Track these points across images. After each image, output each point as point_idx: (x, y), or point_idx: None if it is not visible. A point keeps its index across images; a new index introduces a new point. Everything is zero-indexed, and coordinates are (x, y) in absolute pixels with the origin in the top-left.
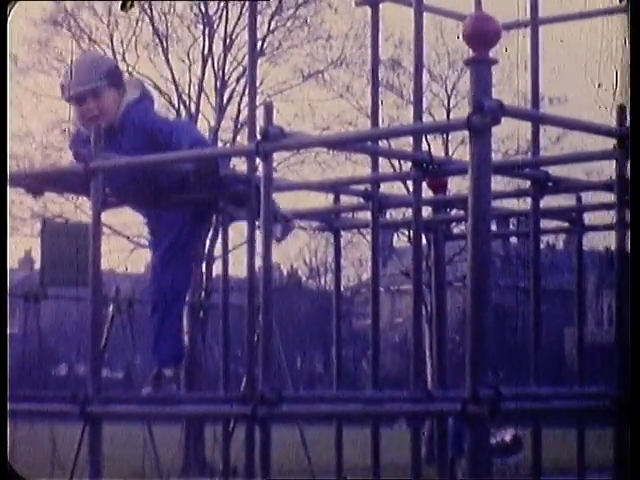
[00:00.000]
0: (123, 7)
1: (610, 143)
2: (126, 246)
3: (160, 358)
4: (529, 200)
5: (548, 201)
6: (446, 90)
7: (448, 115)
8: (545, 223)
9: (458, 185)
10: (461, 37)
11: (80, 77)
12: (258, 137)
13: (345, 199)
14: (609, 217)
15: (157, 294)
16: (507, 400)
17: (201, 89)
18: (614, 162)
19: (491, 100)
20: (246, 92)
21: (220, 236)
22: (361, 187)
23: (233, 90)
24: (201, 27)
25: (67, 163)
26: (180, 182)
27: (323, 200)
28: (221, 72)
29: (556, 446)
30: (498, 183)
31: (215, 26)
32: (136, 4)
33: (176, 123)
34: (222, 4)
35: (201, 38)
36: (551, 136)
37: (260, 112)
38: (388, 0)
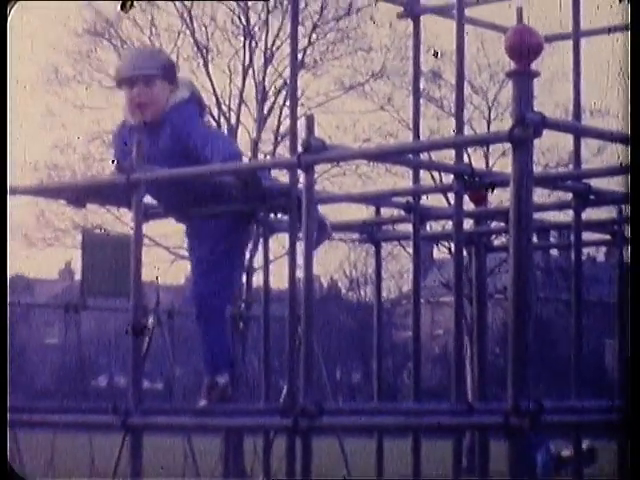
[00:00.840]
0: (123, 7)
1: None
2: (166, 257)
3: (210, 367)
4: (570, 212)
5: (589, 213)
6: (487, 102)
7: (489, 127)
8: (586, 235)
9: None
10: (503, 50)
11: (135, 62)
12: (299, 149)
13: (386, 211)
14: None
15: (198, 301)
16: (549, 413)
17: (241, 101)
18: None
19: (533, 113)
20: (286, 104)
21: (261, 247)
22: (402, 199)
23: (274, 102)
24: (242, 39)
25: (108, 174)
26: (221, 193)
27: (364, 212)
28: (262, 84)
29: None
30: (539, 195)
31: (256, 38)
32: (137, 4)
33: (213, 135)
34: (263, 16)
35: (242, 50)
36: (592, 148)
37: (301, 124)
38: (430, 12)
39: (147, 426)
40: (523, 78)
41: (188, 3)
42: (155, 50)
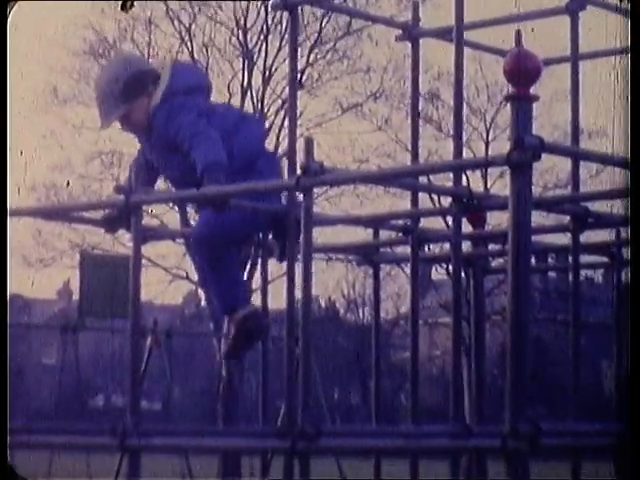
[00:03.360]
0: (123, 7)
1: None
2: (164, 277)
3: (225, 307)
4: (568, 234)
5: (587, 236)
6: (485, 123)
7: (487, 148)
8: (584, 257)
9: (497, 218)
10: (502, 72)
11: (103, 109)
12: (298, 171)
13: (384, 233)
14: None
15: (208, 240)
16: (547, 436)
17: None
18: None
19: (531, 136)
20: (285, 124)
21: (259, 268)
22: (400, 221)
23: (272, 122)
24: (241, 59)
25: (107, 194)
26: None
27: (362, 233)
28: (260, 104)
29: None
30: (537, 217)
31: (254, 59)
32: (136, 4)
33: (198, 138)
34: (262, 36)
35: (240, 71)
36: (590, 169)
37: (300, 145)
38: (428, 35)
39: (145, 447)
40: (522, 102)
41: (186, 23)
42: (114, 76)
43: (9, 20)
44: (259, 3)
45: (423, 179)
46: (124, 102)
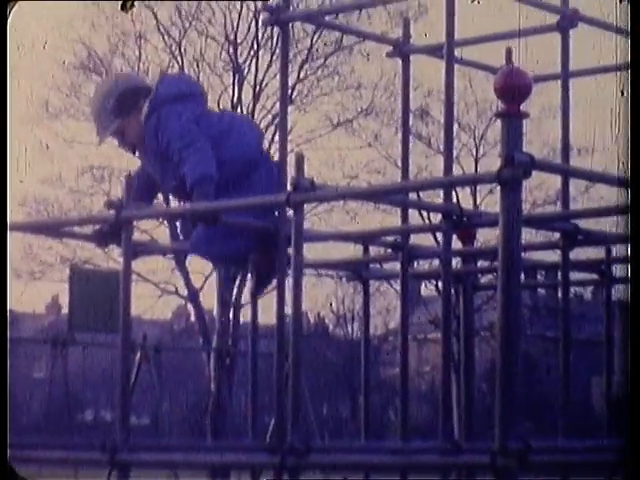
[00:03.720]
0: (123, 7)
1: None
2: (153, 292)
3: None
4: (558, 251)
5: (577, 252)
6: (475, 139)
7: (476, 164)
8: (574, 274)
9: (486, 235)
10: (491, 88)
11: (97, 125)
12: (288, 188)
13: (374, 248)
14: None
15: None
16: (536, 453)
17: None
18: None
19: (522, 153)
20: (275, 139)
21: (248, 283)
22: (390, 237)
23: None
24: (231, 74)
25: (98, 209)
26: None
27: (352, 249)
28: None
29: None
30: (527, 233)
31: (245, 74)
32: (137, 4)
33: (188, 151)
34: (252, 52)
35: (231, 86)
36: (579, 186)
37: (290, 161)
38: (419, 52)
39: (134, 463)
40: (512, 119)
41: (177, 37)
42: (106, 92)
43: (9, 19)
44: (250, 18)
45: (413, 195)
46: (117, 117)
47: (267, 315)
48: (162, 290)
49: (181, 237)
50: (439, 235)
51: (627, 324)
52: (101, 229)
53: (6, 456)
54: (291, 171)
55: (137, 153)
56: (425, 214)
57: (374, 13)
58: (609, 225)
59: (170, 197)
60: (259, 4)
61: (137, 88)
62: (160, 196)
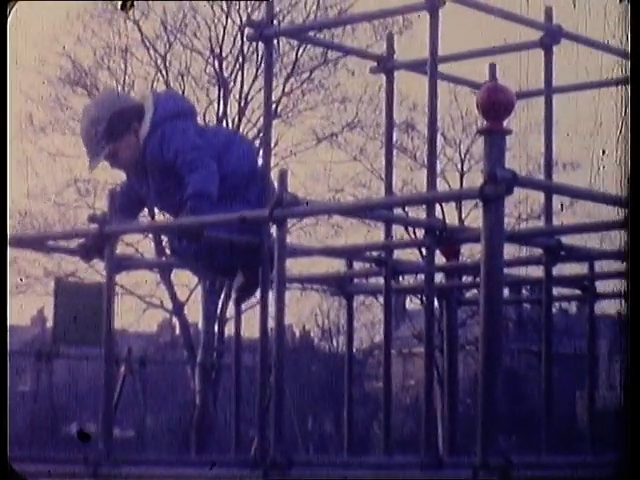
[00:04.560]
0: (123, 7)
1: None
2: (138, 305)
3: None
4: (541, 266)
5: (560, 268)
6: (460, 154)
7: (462, 179)
8: (558, 289)
9: (470, 250)
10: (475, 107)
11: (89, 151)
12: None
13: (358, 263)
14: (621, 284)
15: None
16: (518, 468)
17: None
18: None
19: (504, 170)
20: (260, 153)
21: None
22: (375, 252)
23: None
24: (216, 88)
25: (82, 222)
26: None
27: (336, 263)
28: None
29: None
30: (510, 248)
31: (230, 87)
32: (136, 3)
33: (197, 163)
34: (238, 65)
35: (216, 100)
36: (563, 201)
37: (274, 175)
38: (403, 68)
39: (117, 476)
40: (495, 136)
41: (162, 51)
42: (95, 117)
43: (9, 19)
44: (235, 32)
45: (398, 210)
46: (109, 141)
47: (251, 329)
48: (147, 303)
49: (168, 251)
50: (423, 250)
51: (626, 338)
52: (85, 243)
53: (6, 456)
54: (275, 185)
55: (127, 173)
56: (410, 228)
57: (358, 26)
58: (592, 240)
59: (155, 211)
60: (244, 17)
61: (126, 109)
62: (145, 210)
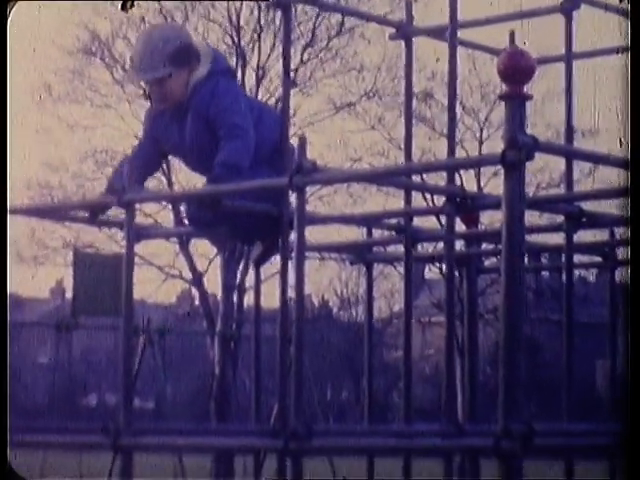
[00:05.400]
0: (123, 7)
1: None
2: (157, 276)
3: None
4: (561, 234)
5: (580, 235)
6: (478, 123)
7: (480, 148)
8: (578, 256)
9: (489, 217)
10: (495, 71)
11: (145, 64)
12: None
13: (377, 231)
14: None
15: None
16: (540, 436)
17: None
18: None
19: (525, 136)
20: None
21: (252, 267)
22: (394, 220)
23: None
24: (234, 58)
25: (100, 193)
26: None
27: (355, 231)
28: None
29: None
30: (530, 216)
31: (248, 57)
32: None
33: (237, 131)
34: (255, 35)
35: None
36: (583, 169)
37: (293, 144)
38: (422, 34)
39: (138, 446)
40: (516, 101)
41: (179, 21)
42: (162, 37)
43: (9, 19)
44: (252, 1)
45: (416, 178)
46: (171, 64)
47: (270, 299)
48: (166, 274)
49: (186, 221)
50: (442, 218)
51: (627, 306)
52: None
53: (6, 456)
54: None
55: (158, 111)
56: (428, 197)
57: None
58: (613, 207)
59: (173, 179)
60: None
61: (192, 46)
62: (164, 179)
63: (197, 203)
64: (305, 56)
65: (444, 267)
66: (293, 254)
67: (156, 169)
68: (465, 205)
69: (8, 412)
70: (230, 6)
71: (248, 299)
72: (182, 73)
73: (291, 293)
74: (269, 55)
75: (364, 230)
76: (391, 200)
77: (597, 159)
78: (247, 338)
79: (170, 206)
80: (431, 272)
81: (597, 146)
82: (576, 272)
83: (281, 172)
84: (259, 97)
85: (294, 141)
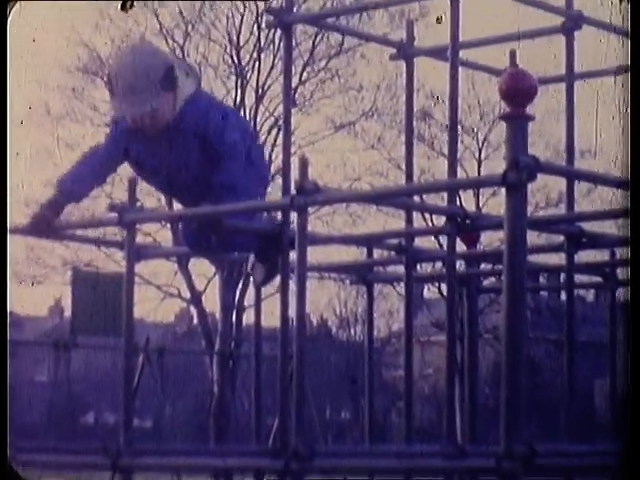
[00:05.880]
0: (123, 7)
1: None
2: (156, 295)
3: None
4: (560, 253)
5: (581, 255)
6: (477, 142)
7: (479, 167)
8: (577, 276)
9: (488, 238)
10: (494, 90)
11: (129, 97)
12: (292, 189)
13: (378, 251)
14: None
15: None
16: (541, 456)
17: None
18: None
19: (527, 156)
20: (277, 142)
21: (252, 285)
22: (394, 240)
23: (265, 140)
24: (234, 77)
25: (101, 212)
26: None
27: (355, 251)
28: (253, 122)
29: None
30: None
31: (247, 76)
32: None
33: (236, 150)
34: (255, 54)
35: (233, 89)
36: (582, 189)
37: (293, 164)
38: (423, 55)
39: (137, 466)
40: (517, 122)
41: (180, 40)
42: (148, 65)
43: (9, 19)
44: (252, 21)
45: (417, 198)
46: (163, 89)
47: (270, 318)
48: (165, 293)
49: (183, 240)
50: (442, 238)
51: (627, 326)
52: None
53: (6, 456)
54: (295, 174)
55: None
56: (428, 217)
57: (375, 14)
58: (612, 227)
59: (173, 201)
60: (261, 6)
61: (175, 67)
62: (162, 199)
63: (197, 225)
64: (304, 75)
65: (443, 287)
66: (293, 274)
67: (103, 181)
68: (466, 225)
69: (8, 412)
70: (230, 25)
71: (246, 318)
72: (169, 97)
73: (291, 312)
74: (269, 74)
75: (364, 250)
76: (391, 220)
77: (598, 180)
78: (245, 357)
79: (169, 225)
80: (430, 292)
81: (594, 166)
82: (575, 292)
83: (259, 163)
84: (259, 116)
85: (294, 161)
